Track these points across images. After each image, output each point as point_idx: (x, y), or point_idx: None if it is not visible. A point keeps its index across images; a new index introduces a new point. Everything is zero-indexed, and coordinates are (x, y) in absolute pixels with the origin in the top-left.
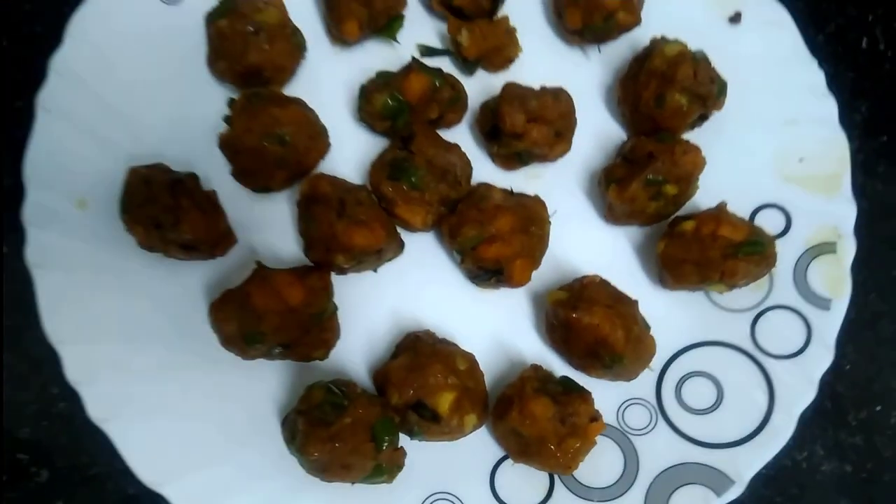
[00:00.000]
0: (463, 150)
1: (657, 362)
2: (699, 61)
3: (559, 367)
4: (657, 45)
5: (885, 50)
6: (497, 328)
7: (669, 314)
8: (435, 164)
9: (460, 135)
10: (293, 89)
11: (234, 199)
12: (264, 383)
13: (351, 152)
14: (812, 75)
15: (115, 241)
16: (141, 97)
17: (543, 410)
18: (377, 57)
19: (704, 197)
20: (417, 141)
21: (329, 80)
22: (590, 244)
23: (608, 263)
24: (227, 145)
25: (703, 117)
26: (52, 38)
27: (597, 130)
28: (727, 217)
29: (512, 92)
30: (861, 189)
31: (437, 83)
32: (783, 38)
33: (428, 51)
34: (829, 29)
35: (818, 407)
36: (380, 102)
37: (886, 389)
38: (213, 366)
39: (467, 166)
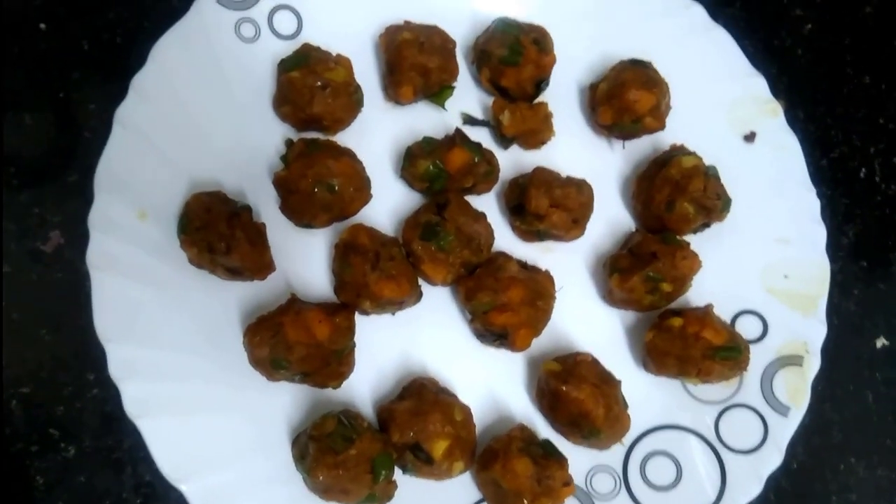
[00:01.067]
0: (488, 220)
1: (629, 437)
2: (710, 177)
3: (542, 426)
4: (676, 154)
5: (880, 182)
6: (492, 384)
7: (647, 395)
8: (463, 231)
9: (488, 202)
10: (346, 138)
11: (278, 228)
12: (280, 401)
13: (389, 204)
14: (809, 202)
15: (167, 254)
16: (207, 124)
17: (524, 469)
18: (425, 118)
19: (695, 294)
20: (450, 209)
21: (379, 134)
22: (587, 320)
23: (600, 340)
24: (281, 184)
25: (706, 225)
26: (129, 47)
27: (609, 216)
28: (711, 320)
29: (540, 177)
30: (836, 307)
31: (476, 158)
32: (789, 164)
33: (470, 119)
34: (833, 154)
35: (763, 498)
36: (422, 167)
37: (825, 491)
38: (238, 379)
39: (490, 236)
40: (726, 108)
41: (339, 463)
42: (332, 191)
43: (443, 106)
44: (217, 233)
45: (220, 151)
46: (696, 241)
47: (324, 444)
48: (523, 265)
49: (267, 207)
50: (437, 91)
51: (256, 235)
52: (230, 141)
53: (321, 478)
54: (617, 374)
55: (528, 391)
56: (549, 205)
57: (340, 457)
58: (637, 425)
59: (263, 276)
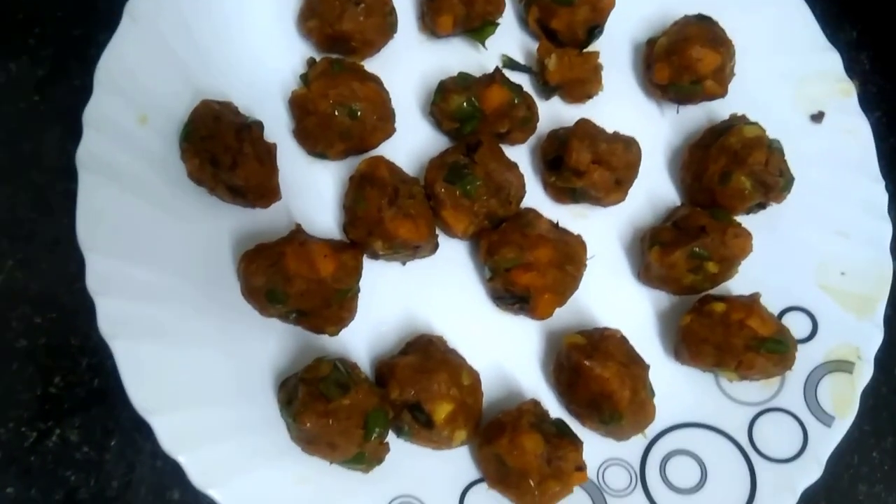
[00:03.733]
0: (521, 171)
1: (651, 430)
2: (773, 151)
3: (554, 407)
4: (737, 122)
5: None
6: (504, 353)
7: (675, 387)
8: (492, 178)
9: (520, 155)
10: (373, 65)
11: (288, 156)
12: (269, 342)
13: (411, 142)
14: (875, 194)
15: (165, 164)
16: (225, 30)
17: (534, 446)
18: (460, 56)
19: (740, 282)
20: (482, 151)
21: (409, 66)
22: (615, 297)
23: (629, 321)
24: (298, 104)
25: (762, 205)
26: None
27: (652, 187)
28: (759, 309)
29: (585, 129)
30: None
31: (515, 100)
32: (857, 150)
33: (511, 63)
34: None
35: None
36: (455, 103)
37: None
38: (226, 311)
39: (521, 188)
40: (794, 83)
41: (329, 412)
42: (354, 116)
43: (483, 44)
44: (224, 144)
45: (235, 63)
46: (749, 222)
47: (315, 389)
48: (555, 225)
49: (278, 133)
50: (479, 26)
51: (266, 154)
52: (247, 53)
53: (308, 425)
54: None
55: (544, 367)
56: (591, 160)
57: (332, 405)
58: (661, 419)
59: (267, 204)
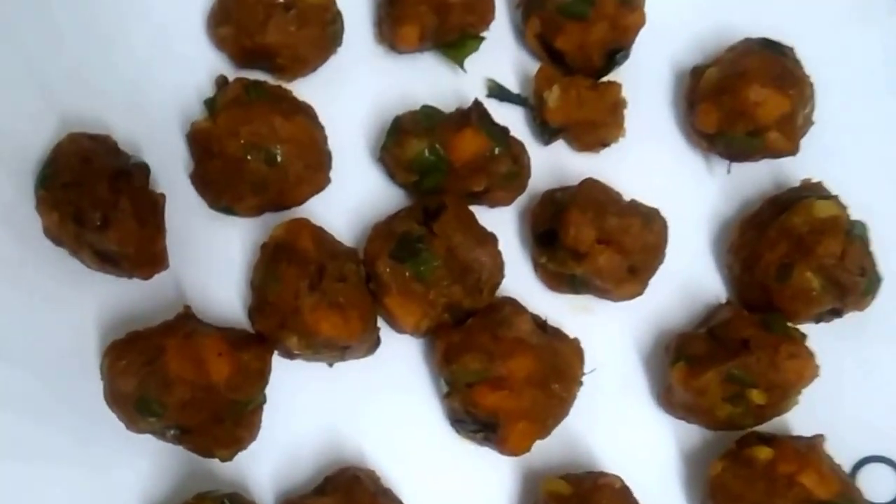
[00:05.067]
0: (500, 247)
1: None
2: (854, 239)
3: None
4: (807, 194)
5: None
6: (463, 496)
7: None
8: (457, 256)
9: (505, 220)
10: (306, 88)
11: (183, 207)
12: (137, 467)
13: (353, 196)
14: None
15: (14, 217)
16: (105, 37)
17: None
18: (430, 79)
19: (800, 417)
20: (444, 219)
21: (356, 90)
22: (622, 428)
23: (638, 461)
24: (199, 142)
25: (836, 312)
26: None
27: (687, 274)
28: (818, 459)
29: (590, 194)
30: None
31: (496, 150)
32: None
33: (499, 91)
34: None
35: None
36: (414, 150)
37: None
38: (82, 421)
39: (497, 272)
40: None
41: None
42: (273, 162)
43: (461, 65)
44: (93, 196)
45: (117, 80)
46: (817, 335)
47: None
48: (541, 324)
49: (171, 175)
50: (456, 40)
51: (150, 210)
52: (135, 67)
53: None
54: None
55: None
56: (595, 239)
57: None
58: None
59: (148, 275)
